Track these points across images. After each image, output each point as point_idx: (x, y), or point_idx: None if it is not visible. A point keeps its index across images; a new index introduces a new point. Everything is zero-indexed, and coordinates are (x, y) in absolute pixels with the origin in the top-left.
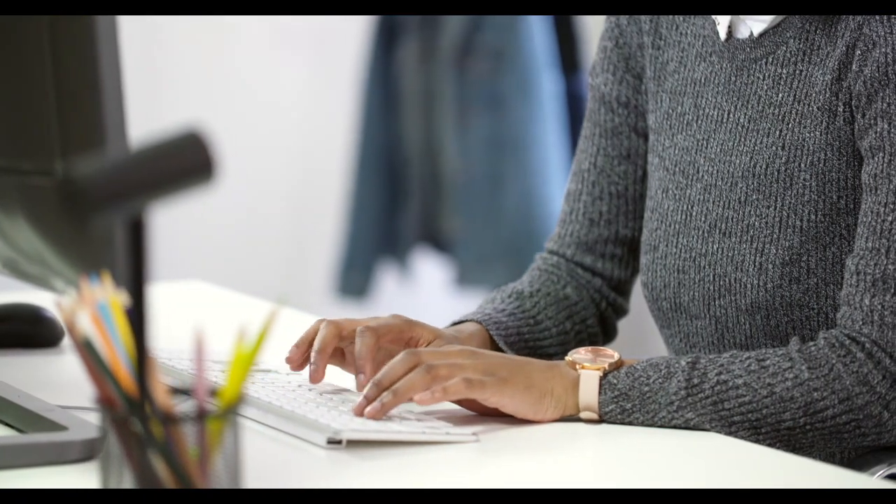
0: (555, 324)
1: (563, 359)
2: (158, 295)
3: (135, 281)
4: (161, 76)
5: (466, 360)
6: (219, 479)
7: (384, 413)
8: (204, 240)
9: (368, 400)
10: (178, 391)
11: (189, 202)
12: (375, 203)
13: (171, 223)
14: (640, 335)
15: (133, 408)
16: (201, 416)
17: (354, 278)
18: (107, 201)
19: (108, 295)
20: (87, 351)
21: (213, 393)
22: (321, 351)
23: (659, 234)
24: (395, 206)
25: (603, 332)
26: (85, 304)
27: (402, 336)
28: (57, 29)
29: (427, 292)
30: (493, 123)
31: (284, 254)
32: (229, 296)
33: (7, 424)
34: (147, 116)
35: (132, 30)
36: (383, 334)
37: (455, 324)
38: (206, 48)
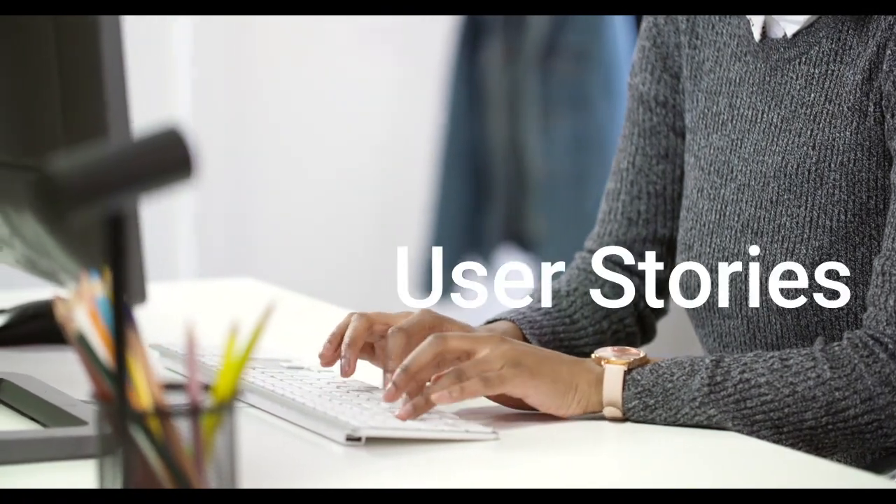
0: (591, 323)
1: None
2: (207, 291)
3: (114, 277)
4: (248, 76)
5: (492, 349)
6: (214, 476)
7: (417, 415)
8: (288, 239)
9: (397, 387)
10: (173, 387)
11: (274, 202)
12: (460, 202)
13: (254, 222)
14: (681, 335)
15: (123, 403)
16: (194, 412)
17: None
18: (84, 198)
19: (108, 291)
20: (82, 346)
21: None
22: (352, 345)
23: (693, 233)
24: (479, 205)
25: (641, 332)
26: (83, 300)
27: (432, 332)
28: (62, 29)
29: (511, 291)
30: (576, 123)
31: (369, 253)
32: (277, 293)
33: (31, 419)
34: (234, 116)
35: (219, 30)
36: (414, 333)
37: (489, 322)
38: (292, 48)
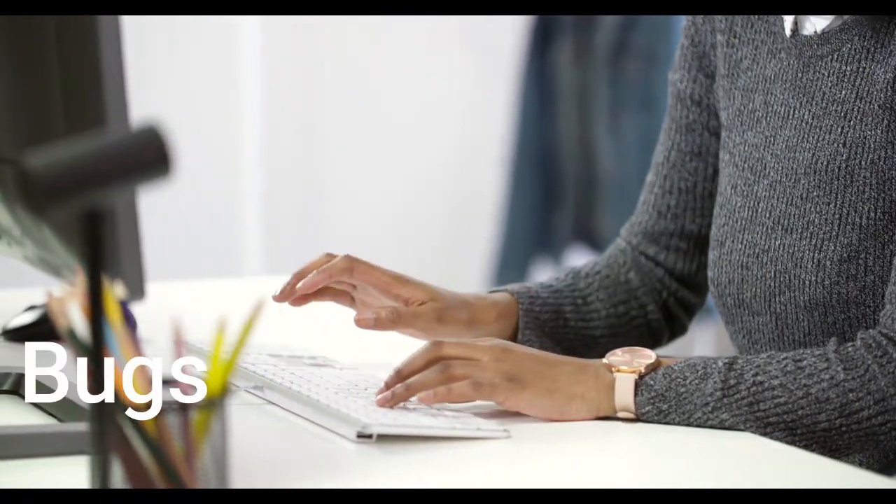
0: (605, 306)
1: (603, 354)
2: (245, 289)
3: (91, 273)
4: (318, 76)
5: (490, 359)
6: (207, 474)
7: (395, 403)
8: (356, 238)
9: (387, 386)
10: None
11: (343, 201)
12: (530, 202)
13: (322, 221)
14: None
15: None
16: (183, 408)
17: (509, 277)
18: (58, 193)
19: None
20: (73, 341)
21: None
22: (313, 278)
23: (726, 230)
24: (549, 204)
25: (668, 324)
26: (77, 295)
27: (389, 290)
28: (63, 29)
29: None
30: (645, 124)
31: (440, 252)
32: None
33: (49, 413)
34: (304, 116)
35: (290, 29)
36: (361, 272)
37: (492, 292)
38: (364, 49)
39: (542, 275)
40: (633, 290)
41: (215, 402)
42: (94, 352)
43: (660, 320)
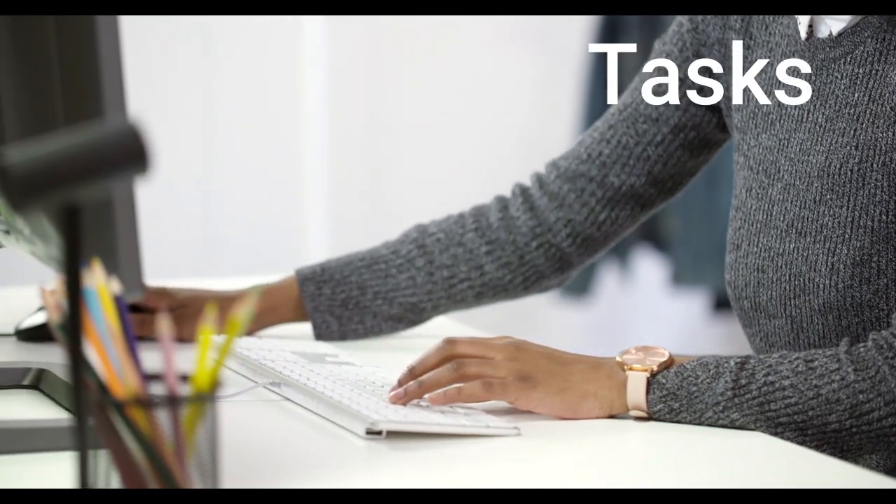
0: (422, 273)
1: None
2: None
3: (69, 269)
4: (386, 75)
5: (503, 358)
6: (198, 468)
7: (407, 400)
8: None
9: (400, 384)
10: (152, 377)
11: (408, 201)
12: None
13: (387, 222)
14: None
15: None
16: (172, 402)
17: (576, 277)
18: (37, 189)
19: (97, 282)
20: (63, 335)
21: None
22: None
23: (742, 232)
24: None
25: (523, 281)
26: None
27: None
28: (62, 24)
29: (645, 291)
30: None
31: None
32: None
33: (65, 408)
34: (370, 117)
35: (361, 29)
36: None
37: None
38: (429, 49)
39: (608, 278)
40: (471, 252)
41: (204, 398)
42: (72, 346)
43: (499, 278)
